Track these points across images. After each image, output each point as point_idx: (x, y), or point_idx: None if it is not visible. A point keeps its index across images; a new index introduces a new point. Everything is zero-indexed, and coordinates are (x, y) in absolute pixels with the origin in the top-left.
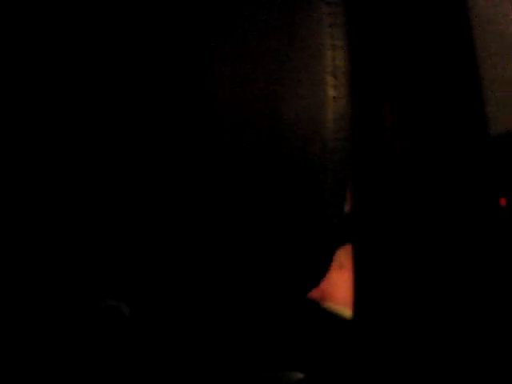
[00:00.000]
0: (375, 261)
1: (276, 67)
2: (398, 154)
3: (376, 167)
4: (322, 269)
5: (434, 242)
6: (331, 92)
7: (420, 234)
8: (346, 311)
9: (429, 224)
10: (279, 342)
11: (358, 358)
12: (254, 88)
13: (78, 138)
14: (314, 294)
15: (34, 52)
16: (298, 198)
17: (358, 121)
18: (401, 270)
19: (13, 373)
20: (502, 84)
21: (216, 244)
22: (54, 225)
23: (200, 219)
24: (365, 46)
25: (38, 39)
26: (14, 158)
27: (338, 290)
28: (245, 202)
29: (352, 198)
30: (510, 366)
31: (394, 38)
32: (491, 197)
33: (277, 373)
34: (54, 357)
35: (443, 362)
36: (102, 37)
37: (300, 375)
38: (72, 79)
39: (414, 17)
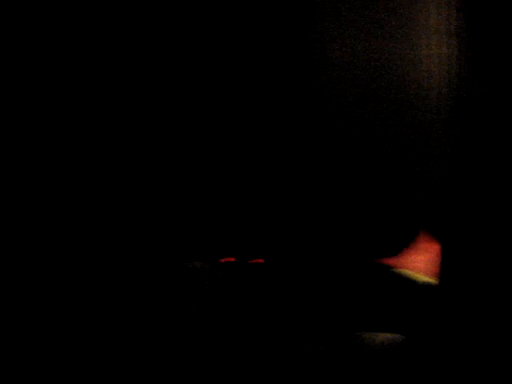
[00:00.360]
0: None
1: (394, 24)
2: None
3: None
4: (403, 238)
5: None
6: (444, 50)
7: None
8: (420, 276)
9: None
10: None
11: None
12: (369, 44)
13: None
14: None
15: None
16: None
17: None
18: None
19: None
20: None
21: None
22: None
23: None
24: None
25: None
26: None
27: (416, 268)
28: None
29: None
30: None
31: None
32: None
33: (369, 333)
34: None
35: None
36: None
37: (397, 337)
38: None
39: None
